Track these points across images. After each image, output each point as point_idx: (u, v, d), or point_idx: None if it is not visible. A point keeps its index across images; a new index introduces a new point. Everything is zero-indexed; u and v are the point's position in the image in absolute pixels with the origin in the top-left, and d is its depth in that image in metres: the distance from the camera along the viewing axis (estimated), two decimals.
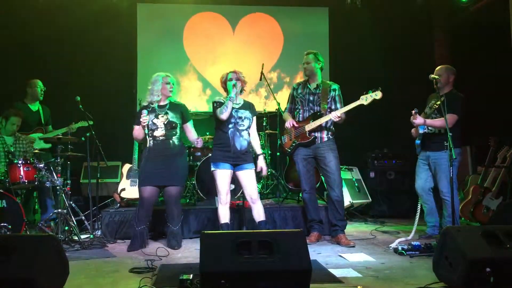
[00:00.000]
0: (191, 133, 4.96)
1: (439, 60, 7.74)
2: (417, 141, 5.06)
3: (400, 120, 6.47)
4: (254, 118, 4.79)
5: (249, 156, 4.69)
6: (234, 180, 4.93)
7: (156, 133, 4.74)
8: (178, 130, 4.84)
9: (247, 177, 4.64)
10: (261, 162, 4.75)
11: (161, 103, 4.84)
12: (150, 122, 4.74)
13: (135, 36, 7.94)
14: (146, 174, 4.74)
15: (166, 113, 4.79)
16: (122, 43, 7.75)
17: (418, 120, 4.86)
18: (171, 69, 7.90)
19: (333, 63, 7.97)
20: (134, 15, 7.95)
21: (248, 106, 4.75)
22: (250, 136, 4.74)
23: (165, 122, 4.76)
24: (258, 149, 4.81)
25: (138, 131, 4.81)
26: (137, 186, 5.43)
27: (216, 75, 7.88)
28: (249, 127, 4.70)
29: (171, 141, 4.78)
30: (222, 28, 8.18)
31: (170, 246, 4.77)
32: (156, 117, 4.76)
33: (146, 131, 4.77)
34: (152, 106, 4.80)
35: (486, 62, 7.16)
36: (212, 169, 4.64)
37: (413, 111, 4.85)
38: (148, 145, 4.79)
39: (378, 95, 4.77)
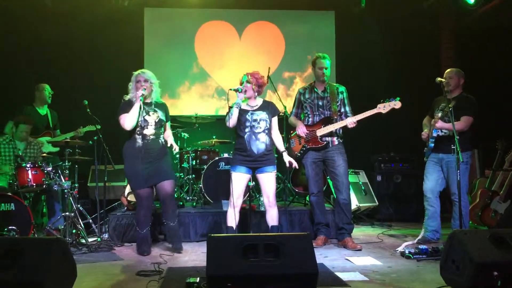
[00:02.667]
0: (169, 131, 4.93)
1: (445, 63, 7.73)
2: (431, 144, 5.00)
3: (407, 123, 6.48)
4: (275, 118, 4.65)
5: (269, 158, 4.57)
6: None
7: (146, 132, 4.62)
8: (163, 129, 4.80)
9: (267, 180, 4.56)
10: (286, 157, 4.64)
11: (146, 101, 4.71)
12: (141, 119, 4.60)
13: (142, 40, 7.99)
14: (140, 176, 4.59)
15: (155, 111, 4.70)
16: (129, 47, 7.79)
17: (440, 124, 4.84)
18: (177, 72, 8.03)
19: (340, 66, 7.97)
20: (141, 19, 8.00)
21: (266, 106, 4.61)
22: (271, 136, 4.62)
23: (156, 120, 4.67)
24: (281, 147, 4.69)
25: (127, 117, 4.54)
26: None
27: (223, 79, 8.04)
28: (267, 128, 4.56)
29: (160, 140, 4.72)
30: (229, 34, 8.21)
31: (174, 249, 4.75)
32: (147, 113, 4.65)
33: (135, 124, 4.56)
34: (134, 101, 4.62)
35: (493, 65, 7.14)
36: (230, 171, 4.60)
37: (438, 115, 4.84)
38: (136, 144, 4.61)
39: (397, 105, 4.77)
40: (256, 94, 4.59)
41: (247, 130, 4.52)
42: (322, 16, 8.35)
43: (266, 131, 4.57)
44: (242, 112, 4.50)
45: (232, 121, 4.45)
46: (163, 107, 4.81)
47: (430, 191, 5.14)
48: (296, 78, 8.25)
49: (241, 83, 4.54)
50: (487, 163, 6.56)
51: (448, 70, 5.20)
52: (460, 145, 4.78)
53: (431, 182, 5.13)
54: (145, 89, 4.58)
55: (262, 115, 4.55)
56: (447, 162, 5.02)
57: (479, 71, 7.35)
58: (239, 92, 4.46)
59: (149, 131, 4.63)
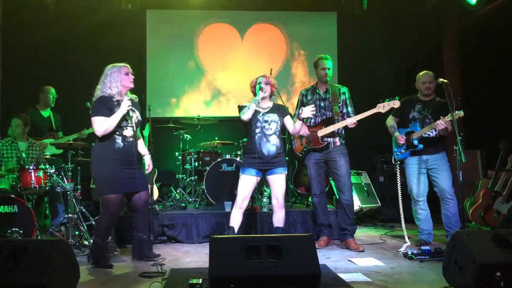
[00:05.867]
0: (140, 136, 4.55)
1: (448, 63, 7.73)
2: (420, 146, 5.00)
3: None
4: (287, 118, 4.62)
5: (280, 160, 4.57)
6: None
7: (126, 133, 4.19)
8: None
9: (277, 181, 4.55)
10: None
11: (121, 98, 4.23)
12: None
13: (145, 42, 8.01)
14: (116, 180, 4.12)
15: (133, 111, 4.26)
16: (132, 49, 7.80)
17: (451, 127, 4.79)
18: (179, 74, 8.04)
19: (342, 68, 7.99)
20: (143, 21, 8.02)
21: (277, 109, 4.64)
22: (281, 138, 4.62)
23: (136, 121, 4.25)
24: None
25: (106, 123, 4.09)
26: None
27: (226, 81, 8.05)
28: (277, 130, 4.57)
29: (137, 143, 4.35)
30: (231, 35, 8.22)
31: (144, 258, 4.37)
32: (128, 113, 4.19)
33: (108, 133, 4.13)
34: (116, 99, 4.21)
35: (495, 65, 7.14)
36: (240, 173, 4.59)
37: (447, 118, 4.76)
38: (115, 146, 4.15)
39: (396, 104, 4.79)
40: (270, 96, 4.65)
41: (257, 131, 4.53)
42: (324, 18, 8.36)
43: (277, 133, 4.57)
44: (254, 113, 4.51)
45: (247, 115, 4.44)
46: (138, 106, 4.42)
47: (421, 195, 5.14)
48: (298, 79, 8.25)
49: (258, 83, 4.56)
50: (490, 163, 6.55)
51: (425, 73, 5.19)
52: (442, 145, 4.97)
53: (420, 186, 5.12)
54: (130, 105, 4.17)
55: (273, 116, 4.58)
56: (434, 162, 5.05)
57: (482, 71, 7.36)
58: (261, 91, 4.49)
59: (129, 132, 4.21)
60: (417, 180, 5.11)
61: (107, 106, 4.16)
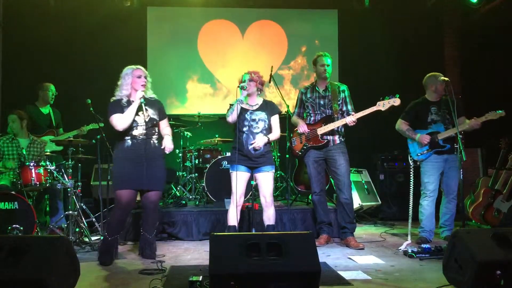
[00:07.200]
0: (166, 129, 4.52)
1: (449, 62, 7.72)
2: (448, 146, 5.04)
3: None
4: (275, 117, 4.60)
5: (267, 158, 4.57)
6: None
7: (135, 132, 4.28)
8: (157, 129, 4.44)
9: (264, 179, 4.55)
10: (261, 141, 4.47)
11: (132, 99, 4.35)
12: None
13: (145, 39, 8.01)
14: (125, 176, 4.23)
15: (146, 110, 4.31)
16: (132, 46, 7.80)
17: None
18: (180, 71, 8.04)
19: (342, 65, 7.98)
20: (144, 18, 8.02)
21: (266, 106, 4.60)
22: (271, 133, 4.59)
23: (146, 120, 4.30)
24: (270, 136, 4.55)
25: (122, 117, 4.23)
26: None
27: (226, 78, 8.05)
28: (265, 128, 4.54)
29: (151, 141, 4.36)
30: (231, 32, 8.22)
31: (144, 256, 4.43)
32: (137, 113, 4.27)
33: (128, 124, 4.25)
34: (125, 100, 4.33)
35: (496, 63, 7.13)
36: (230, 171, 4.57)
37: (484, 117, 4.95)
38: (125, 145, 4.29)
39: (396, 102, 4.77)
40: (258, 92, 4.60)
41: (245, 129, 4.52)
42: (325, 15, 8.35)
43: (264, 132, 4.55)
44: (242, 111, 4.50)
45: (233, 116, 4.44)
46: (155, 104, 4.46)
47: (434, 192, 5.15)
48: (298, 77, 8.24)
49: (243, 81, 4.53)
50: (490, 162, 6.54)
51: (439, 74, 5.20)
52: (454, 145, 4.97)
53: (434, 183, 5.14)
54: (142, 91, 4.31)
55: (261, 115, 4.55)
56: (452, 161, 5.08)
57: (482, 70, 7.34)
58: (244, 90, 4.45)
59: (139, 131, 4.29)
60: (435, 177, 5.14)
61: (120, 106, 4.31)
